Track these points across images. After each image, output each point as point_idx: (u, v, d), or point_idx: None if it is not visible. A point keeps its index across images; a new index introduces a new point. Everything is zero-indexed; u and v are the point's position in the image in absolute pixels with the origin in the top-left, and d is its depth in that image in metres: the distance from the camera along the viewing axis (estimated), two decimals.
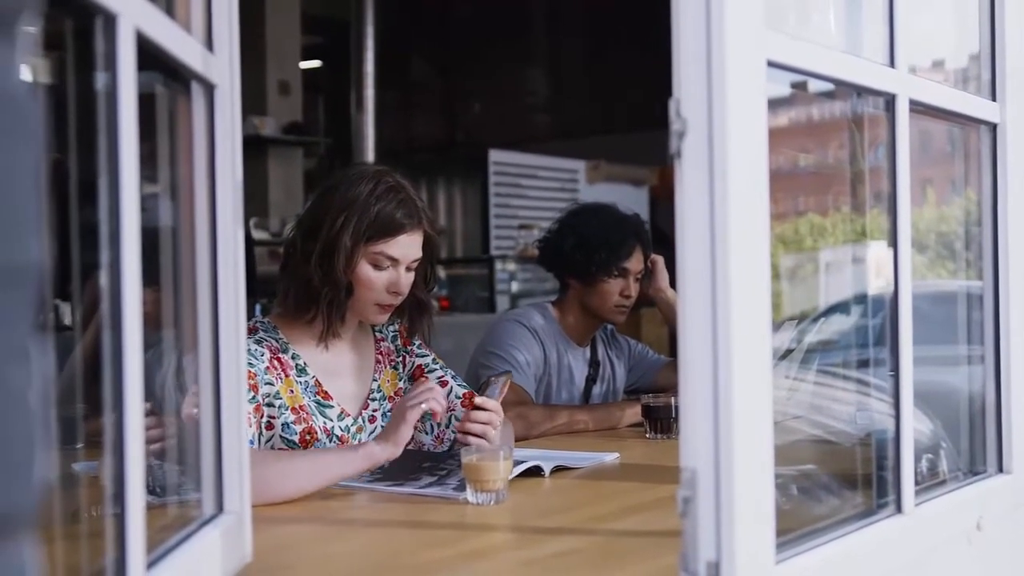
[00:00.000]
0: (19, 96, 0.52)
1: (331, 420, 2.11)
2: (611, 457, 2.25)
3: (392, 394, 2.25)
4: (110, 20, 0.95)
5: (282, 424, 2.04)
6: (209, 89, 1.29)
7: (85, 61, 0.98)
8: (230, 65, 1.33)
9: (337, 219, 2.04)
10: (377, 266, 2.08)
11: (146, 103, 1.03)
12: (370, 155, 7.17)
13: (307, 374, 2.11)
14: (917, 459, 1.51)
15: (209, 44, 1.29)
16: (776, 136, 1.18)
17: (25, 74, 0.53)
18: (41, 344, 0.54)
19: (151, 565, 1.04)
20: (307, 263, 2.06)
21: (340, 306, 2.09)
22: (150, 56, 1.05)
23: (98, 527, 1.02)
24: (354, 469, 1.88)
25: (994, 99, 1.72)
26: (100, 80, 0.96)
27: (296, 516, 1.74)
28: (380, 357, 2.26)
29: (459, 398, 2.25)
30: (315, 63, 8.85)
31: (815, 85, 1.45)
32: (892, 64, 1.44)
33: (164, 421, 1.36)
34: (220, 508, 1.31)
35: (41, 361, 0.53)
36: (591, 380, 3.00)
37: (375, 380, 2.23)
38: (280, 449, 2.04)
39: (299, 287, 2.09)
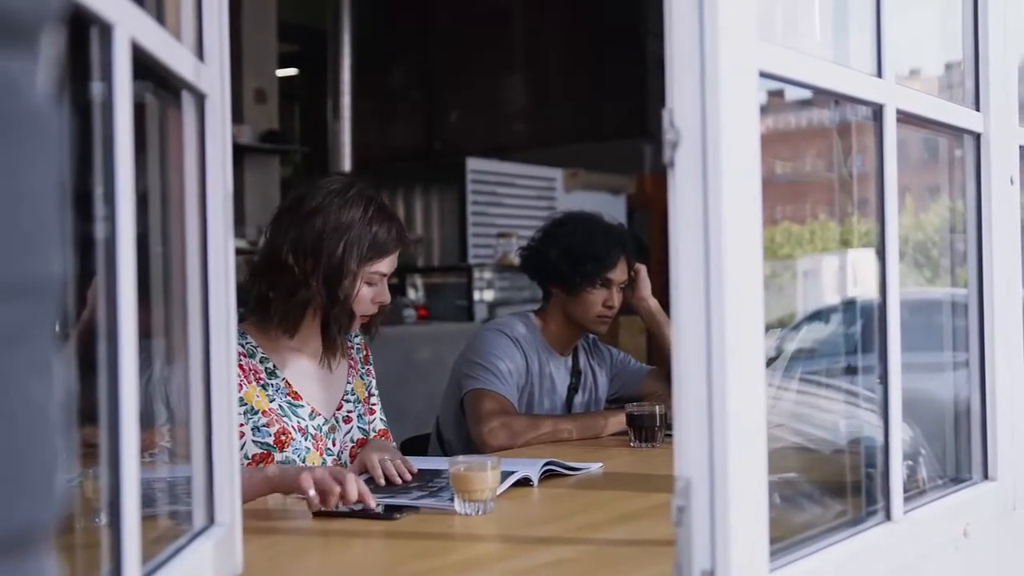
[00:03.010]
0: (44, 110, 0.51)
1: (303, 419, 2.15)
2: (596, 467, 2.25)
3: (362, 399, 2.31)
4: (106, 30, 0.94)
5: (253, 428, 2.08)
6: (200, 99, 1.28)
7: (77, 69, 0.97)
8: (220, 75, 1.32)
9: (337, 245, 2.10)
10: (371, 283, 2.17)
11: (136, 112, 1.03)
12: (347, 163, 7.15)
13: (278, 377, 2.16)
14: None
15: (200, 53, 1.28)
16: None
17: (47, 87, 0.53)
18: (62, 357, 0.53)
19: None
20: (307, 284, 2.10)
21: (348, 326, 2.17)
22: (142, 65, 1.05)
23: (86, 538, 1.01)
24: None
25: (977, 109, 1.73)
26: (94, 89, 0.96)
27: (286, 528, 1.73)
28: (352, 363, 2.32)
29: (375, 432, 2.32)
30: (291, 71, 8.82)
31: (792, 93, 1.45)
32: (879, 74, 1.45)
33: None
34: (211, 520, 1.30)
35: (62, 374, 0.52)
36: (573, 389, 3.00)
37: (349, 383, 2.29)
38: (254, 454, 2.07)
39: (294, 304, 2.12)
